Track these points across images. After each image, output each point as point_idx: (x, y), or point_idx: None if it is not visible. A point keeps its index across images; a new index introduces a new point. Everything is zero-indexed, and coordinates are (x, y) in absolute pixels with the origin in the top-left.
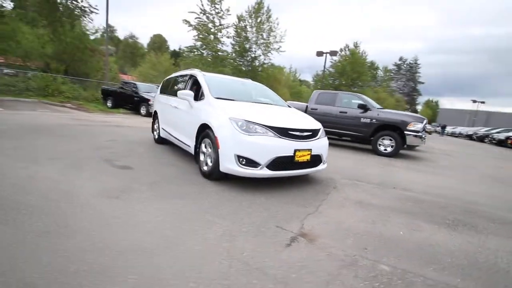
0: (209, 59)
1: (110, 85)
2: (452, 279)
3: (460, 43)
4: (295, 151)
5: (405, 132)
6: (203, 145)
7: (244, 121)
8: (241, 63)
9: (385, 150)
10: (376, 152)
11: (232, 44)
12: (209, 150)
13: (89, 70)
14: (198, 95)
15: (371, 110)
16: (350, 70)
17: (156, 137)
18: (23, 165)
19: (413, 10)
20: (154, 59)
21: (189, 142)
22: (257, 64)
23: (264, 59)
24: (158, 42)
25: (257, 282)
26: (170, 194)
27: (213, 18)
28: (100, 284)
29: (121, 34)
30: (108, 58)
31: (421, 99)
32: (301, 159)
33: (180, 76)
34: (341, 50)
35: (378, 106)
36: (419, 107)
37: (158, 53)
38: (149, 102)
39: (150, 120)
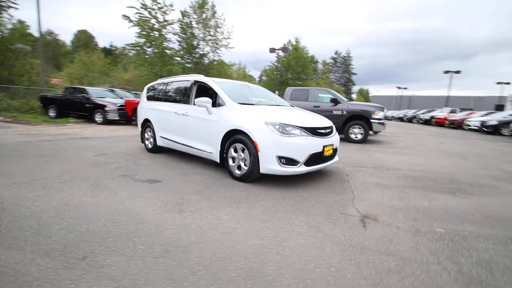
0: (156, 57)
1: (46, 91)
2: (485, 229)
3: (382, 37)
4: (324, 147)
5: (371, 120)
6: (231, 150)
7: (280, 124)
8: (189, 60)
9: (356, 137)
10: (348, 140)
11: (178, 41)
12: (242, 154)
13: (12, 75)
14: (214, 102)
15: (341, 103)
16: (295, 64)
17: (150, 146)
18: (40, 193)
19: (344, 7)
20: (85, 58)
21: (209, 149)
22: (206, 61)
23: (214, 56)
24: (84, 39)
25: (373, 258)
26: (225, 201)
27: (156, 13)
28: (260, 284)
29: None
30: (41, 61)
31: (355, 88)
32: (327, 154)
33: (178, 81)
34: (284, 45)
35: (346, 99)
36: (354, 96)
37: (89, 52)
38: (106, 109)
39: (114, 128)
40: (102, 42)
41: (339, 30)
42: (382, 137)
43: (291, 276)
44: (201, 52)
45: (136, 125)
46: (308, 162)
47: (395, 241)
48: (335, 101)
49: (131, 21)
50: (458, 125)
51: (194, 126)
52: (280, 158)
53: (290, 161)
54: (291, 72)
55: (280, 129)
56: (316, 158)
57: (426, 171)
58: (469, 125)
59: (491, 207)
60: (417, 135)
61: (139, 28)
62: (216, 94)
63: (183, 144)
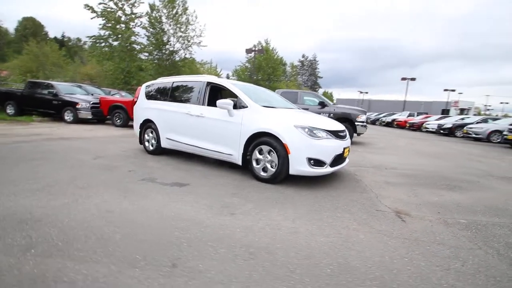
0: (123, 52)
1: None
2: (494, 218)
3: (343, 44)
4: (344, 149)
5: (355, 123)
6: (256, 152)
7: (309, 127)
8: (158, 56)
9: None
10: None
11: (146, 35)
12: (268, 156)
13: None
14: (234, 104)
15: (328, 106)
16: (266, 65)
17: (152, 148)
18: (67, 200)
19: (310, 12)
20: (37, 49)
21: (229, 151)
22: (177, 58)
23: (185, 54)
24: (31, 27)
25: (430, 248)
26: (266, 203)
27: (123, 5)
28: (358, 276)
29: None
30: None
31: (320, 91)
32: (346, 155)
33: (188, 81)
34: (254, 46)
35: (331, 103)
36: None
37: (41, 42)
38: (77, 107)
39: (89, 128)
40: (53, 32)
41: (301, 34)
42: (359, 138)
43: (376, 267)
44: (171, 49)
45: (113, 124)
46: (332, 163)
47: (436, 232)
48: (322, 104)
49: (94, 11)
50: (417, 127)
51: (211, 128)
52: (309, 159)
53: (318, 163)
54: (262, 73)
55: (309, 132)
56: (338, 159)
57: (416, 169)
58: (427, 128)
59: (487, 200)
60: (388, 137)
61: (103, 20)
62: (236, 96)
63: (196, 146)
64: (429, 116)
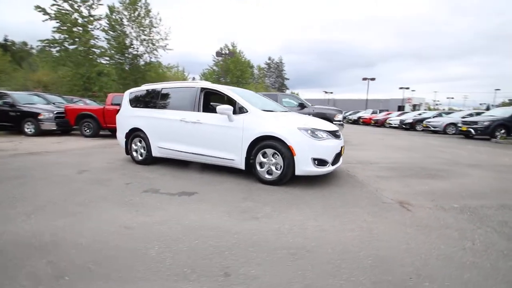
0: (81, 56)
1: None
2: (481, 201)
3: (304, 46)
4: (341, 147)
5: (333, 122)
6: (259, 156)
7: (311, 129)
8: (121, 60)
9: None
10: None
11: (106, 39)
12: (272, 159)
13: None
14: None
15: (307, 107)
16: (234, 68)
17: (141, 158)
18: (73, 219)
19: (268, 17)
20: None
21: (231, 156)
22: (142, 62)
23: (150, 58)
24: None
25: (442, 231)
26: (282, 204)
27: (79, 7)
28: (398, 263)
29: None
30: None
31: (288, 92)
32: (342, 153)
33: (179, 88)
34: (221, 49)
35: (309, 104)
36: None
37: None
38: (40, 117)
39: (56, 140)
40: None
41: (263, 38)
42: None
43: (407, 255)
44: (135, 53)
45: (82, 134)
46: (333, 162)
47: (439, 217)
48: (302, 106)
49: (46, 13)
50: (381, 123)
51: (210, 134)
52: (314, 160)
53: (322, 162)
54: (230, 76)
55: (312, 133)
56: (336, 158)
57: (396, 162)
58: (390, 124)
59: (467, 186)
60: (358, 134)
61: (57, 22)
62: (231, 101)
63: (194, 154)
64: (391, 113)
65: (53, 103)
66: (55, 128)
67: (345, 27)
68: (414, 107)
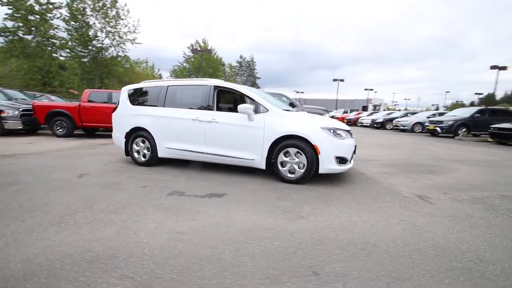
0: (38, 48)
1: None
2: (484, 193)
3: (272, 45)
4: (355, 146)
5: None
6: (281, 155)
7: (333, 129)
8: (84, 53)
9: None
10: None
11: (67, 29)
12: (295, 158)
13: None
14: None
15: (297, 106)
16: (206, 65)
17: (144, 159)
18: (115, 229)
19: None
20: None
21: (250, 156)
22: (108, 56)
23: (117, 51)
24: None
25: (470, 221)
26: (318, 202)
27: None
28: (455, 250)
29: None
30: None
31: None
32: (355, 152)
33: (189, 86)
34: (192, 45)
35: (299, 104)
36: None
37: None
38: (3, 115)
39: (26, 140)
40: None
41: (234, 35)
42: None
43: (458, 242)
44: (99, 45)
45: (54, 134)
46: (350, 160)
47: (459, 208)
48: (292, 105)
49: None
50: (353, 123)
51: (227, 134)
52: (337, 158)
53: (343, 160)
54: (202, 73)
55: (333, 132)
56: (352, 155)
57: (391, 159)
58: (362, 123)
59: (463, 179)
60: None
61: (9, 9)
62: (253, 100)
63: (208, 154)
64: (361, 113)
65: (15, 99)
66: (20, 127)
67: (313, 30)
68: (375, 108)
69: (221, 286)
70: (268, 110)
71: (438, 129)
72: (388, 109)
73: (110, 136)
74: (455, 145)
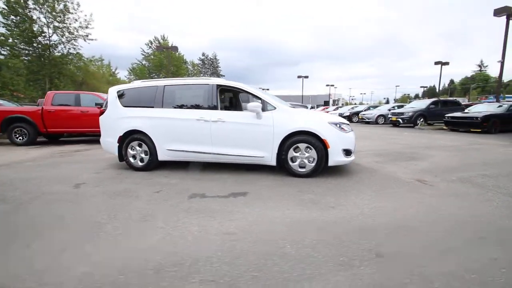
0: None
1: None
2: (468, 173)
3: (232, 42)
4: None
5: None
6: (291, 151)
7: (339, 123)
8: (29, 51)
9: None
10: None
11: (5, 24)
12: (305, 153)
13: None
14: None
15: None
16: (168, 63)
17: (141, 163)
18: (161, 236)
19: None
20: None
21: (260, 154)
22: (57, 54)
23: (69, 49)
24: None
25: (471, 196)
26: (338, 193)
27: None
28: (479, 224)
29: None
30: None
31: None
32: None
33: (189, 85)
34: (151, 42)
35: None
36: None
37: None
38: None
39: None
40: None
41: (192, 32)
42: None
43: (477, 216)
44: (45, 42)
45: (13, 143)
46: (353, 151)
47: (455, 188)
48: None
49: None
50: None
51: (235, 132)
52: (344, 150)
53: (348, 152)
54: (164, 71)
55: (339, 127)
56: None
57: (374, 150)
58: None
59: (442, 163)
60: None
61: None
62: (258, 98)
63: (215, 154)
64: (327, 107)
65: None
66: None
67: (275, 26)
68: (334, 102)
69: (304, 277)
70: (275, 108)
71: (400, 120)
72: (346, 104)
73: (81, 142)
74: (418, 134)
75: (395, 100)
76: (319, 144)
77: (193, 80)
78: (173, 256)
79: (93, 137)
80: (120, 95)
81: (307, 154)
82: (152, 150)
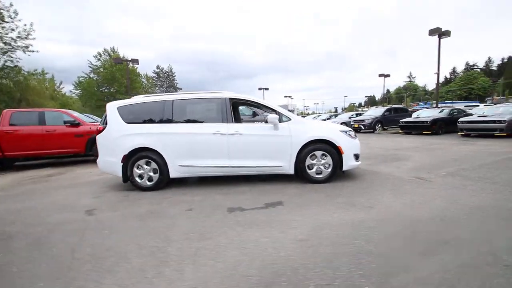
0: None
1: None
2: (452, 168)
3: (183, 55)
4: None
5: None
6: (308, 159)
7: (347, 131)
8: None
9: None
10: None
11: None
12: (321, 160)
13: None
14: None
15: (259, 115)
16: (121, 76)
17: (150, 183)
18: (234, 254)
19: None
20: None
21: (279, 163)
22: None
23: (6, 61)
24: None
25: (470, 187)
26: (365, 194)
27: None
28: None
29: None
30: None
31: None
32: None
33: (197, 99)
34: (99, 54)
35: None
36: None
37: None
38: None
39: None
40: None
41: (140, 44)
42: None
43: (488, 203)
44: None
45: None
46: None
47: (451, 181)
48: (254, 114)
49: None
50: None
51: (254, 144)
52: (354, 155)
53: (357, 157)
54: (117, 85)
55: (349, 134)
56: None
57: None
58: None
59: (424, 162)
60: None
61: None
62: (273, 110)
63: (232, 167)
64: None
65: None
66: None
67: (228, 40)
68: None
69: (399, 269)
70: (290, 119)
71: (362, 126)
72: (302, 113)
73: (45, 166)
74: (382, 138)
75: (343, 109)
76: (334, 151)
77: (204, 94)
78: (270, 267)
79: (59, 159)
80: (122, 112)
81: (323, 161)
82: (162, 167)
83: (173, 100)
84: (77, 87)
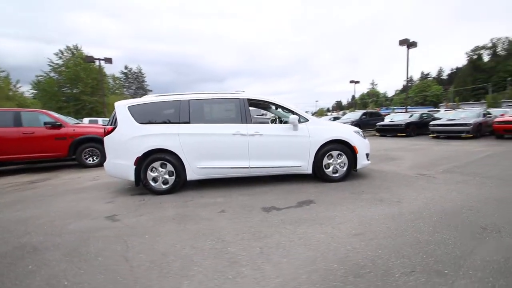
0: None
1: None
2: (446, 166)
3: (149, 56)
4: None
5: None
6: (325, 158)
7: (359, 131)
8: None
9: None
10: None
11: None
12: (337, 159)
13: None
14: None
15: (262, 116)
16: (86, 76)
17: (165, 186)
18: (309, 255)
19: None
20: None
21: (298, 163)
22: None
23: None
24: None
25: (472, 182)
26: (386, 190)
27: None
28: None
29: None
30: None
31: None
32: None
33: (218, 99)
34: (61, 52)
35: None
36: None
37: None
38: None
39: None
40: None
41: (102, 43)
42: None
43: (492, 196)
44: None
45: None
46: None
47: (452, 178)
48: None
49: None
50: None
51: (275, 144)
52: (366, 154)
53: (368, 156)
54: (82, 85)
55: (361, 134)
56: None
57: None
58: None
59: (419, 161)
60: None
61: None
62: (291, 111)
63: (253, 167)
64: None
65: None
66: None
67: (197, 43)
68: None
69: (469, 252)
70: (308, 120)
71: None
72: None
73: (20, 172)
74: None
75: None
76: (349, 151)
77: (221, 94)
78: (348, 261)
79: (36, 164)
80: (134, 111)
81: (339, 161)
82: (179, 170)
83: (189, 100)
84: (36, 87)
